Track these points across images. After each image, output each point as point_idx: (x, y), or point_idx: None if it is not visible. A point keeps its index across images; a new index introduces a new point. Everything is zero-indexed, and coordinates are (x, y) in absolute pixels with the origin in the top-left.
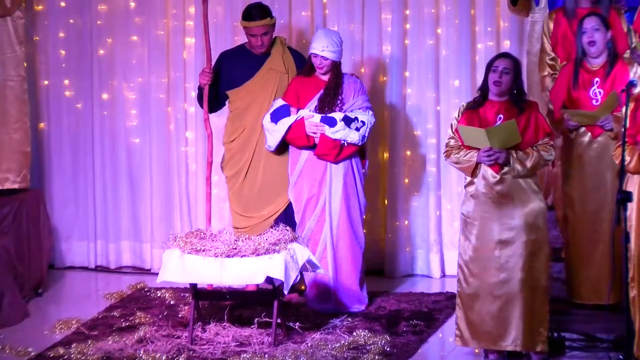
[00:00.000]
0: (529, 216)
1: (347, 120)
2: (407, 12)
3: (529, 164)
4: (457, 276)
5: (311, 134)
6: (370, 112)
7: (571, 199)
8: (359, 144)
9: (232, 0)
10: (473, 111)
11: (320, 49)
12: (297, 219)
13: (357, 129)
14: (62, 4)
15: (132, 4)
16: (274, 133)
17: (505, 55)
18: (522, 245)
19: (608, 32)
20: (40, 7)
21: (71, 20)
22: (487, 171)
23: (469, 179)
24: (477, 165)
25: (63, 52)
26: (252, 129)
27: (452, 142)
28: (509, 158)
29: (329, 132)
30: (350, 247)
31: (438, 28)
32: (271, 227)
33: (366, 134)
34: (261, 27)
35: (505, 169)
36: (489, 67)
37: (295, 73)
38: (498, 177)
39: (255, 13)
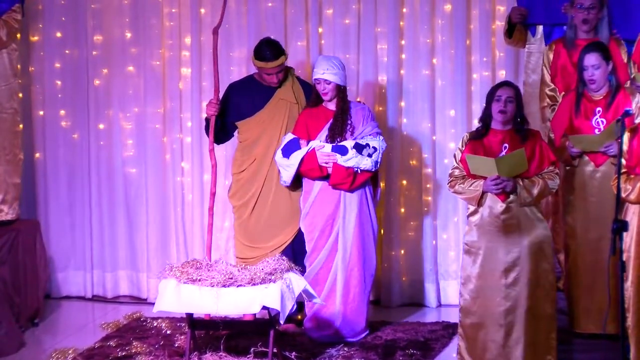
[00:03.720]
0: (534, 244)
1: (359, 148)
2: (403, 42)
3: (535, 192)
4: (459, 305)
5: (324, 164)
6: (381, 138)
7: (573, 229)
8: (373, 169)
9: (229, 31)
10: (477, 141)
11: (321, 72)
12: (308, 248)
13: (370, 155)
14: (58, 34)
15: (128, 35)
16: (288, 168)
17: (506, 83)
18: (526, 274)
19: (609, 64)
20: (36, 38)
21: (67, 51)
22: (492, 200)
23: (472, 208)
24: (483, 194)
25: (59, 82)
26: (262, 160)
27: (457, 172)
28: (516, 186)
29: (341, 160)
30: (361, 278)
31: (434, 58)
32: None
33: (379, 160)
34: (277, 67)
35: (512, 197)
36: (491, 97)
37: (304, 103)
38: (504, 205)
39: (269, 54)
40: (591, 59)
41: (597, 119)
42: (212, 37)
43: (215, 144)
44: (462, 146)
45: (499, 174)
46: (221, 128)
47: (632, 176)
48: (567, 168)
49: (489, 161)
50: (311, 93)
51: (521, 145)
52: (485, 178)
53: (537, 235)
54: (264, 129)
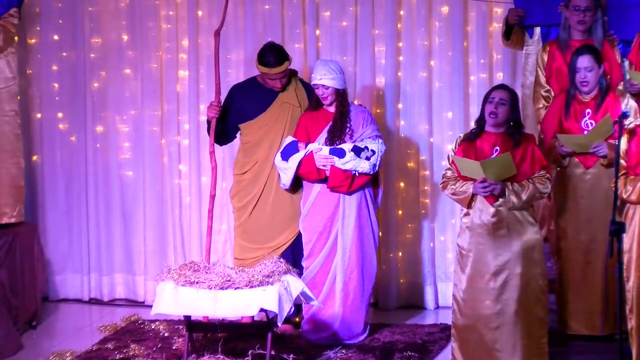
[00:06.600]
0: (524, 248)
1: (357, 150)
2: (400, 44)
3: (524, 196)
4: (452, 307)
5: (321, 167)
6: (380, 140)
7: (565, 231)
8: (371, 172)
9: (226, 34)
10: (470, 142)
11: (319, 77)
12: (305, 250)
13: (368, 158)
14: (55, 37)
15: (125, 37)
16: (286, 171)
17: (501, 86)
18: (516, 277)
19: (601, 67)
20: (33, 41)
21: (64, 54)
22: (482, 203)
23: (464, 210)
24: (473, 196)
25: (56, 85)
26: (265, 162)
27: (449, 173)
28: (504, 189)
29: (339, 163)
30: (360, 280)
31: (431, 60)
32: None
33: (377, 163)
34: (280, 72)
35: (500, 200)
36: (486, 98)
37: (307, 106)
38: (493, 208)
39: (273, 60)
40: (584, 61)
41: (586, 120)
42: (214, 40)
43: (217, 146)
44: (455, 147)
45: (486, 177)
46: (222, 130)
47: (631, 177)
48: (558, 169)
49: (475, 164)
50: (314, 95)
51: (513, 149)
52: (475, 180)
53: (527, 239)
54: (267, 131)
